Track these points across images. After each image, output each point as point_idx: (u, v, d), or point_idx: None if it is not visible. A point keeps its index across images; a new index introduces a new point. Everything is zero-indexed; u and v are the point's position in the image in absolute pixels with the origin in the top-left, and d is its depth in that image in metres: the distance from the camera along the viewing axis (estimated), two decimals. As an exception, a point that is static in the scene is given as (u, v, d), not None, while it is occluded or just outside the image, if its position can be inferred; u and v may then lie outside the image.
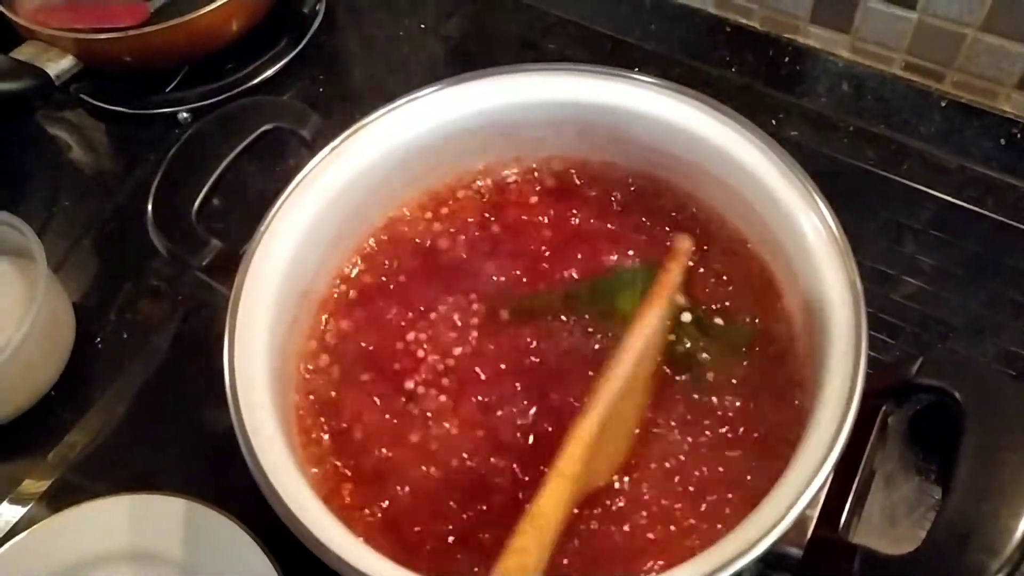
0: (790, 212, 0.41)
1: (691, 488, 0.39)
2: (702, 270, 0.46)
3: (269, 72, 0.77)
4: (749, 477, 0.40)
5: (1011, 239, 0.63)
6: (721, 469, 0.40)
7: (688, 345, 0.44)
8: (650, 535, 0.38)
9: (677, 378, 0.43)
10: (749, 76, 0.72)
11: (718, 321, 0.45)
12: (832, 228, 0.40)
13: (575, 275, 0.47)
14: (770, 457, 0.40)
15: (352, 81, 0.79)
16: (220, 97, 0.76)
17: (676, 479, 0.40)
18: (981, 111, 0.68)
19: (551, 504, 0.34)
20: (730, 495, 0.39)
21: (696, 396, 0.43)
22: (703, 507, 0.39)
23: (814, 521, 0.36)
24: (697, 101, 0.44)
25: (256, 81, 0.77)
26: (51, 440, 0.61)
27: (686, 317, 0.44)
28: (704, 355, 0.44)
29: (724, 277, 0.45)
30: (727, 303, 0.45)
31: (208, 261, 0.44)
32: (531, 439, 0.41)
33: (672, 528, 0.38)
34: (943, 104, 0.69)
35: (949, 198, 0.65)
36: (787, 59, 0.73)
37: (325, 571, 0.50)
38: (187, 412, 0.61)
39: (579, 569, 0.38)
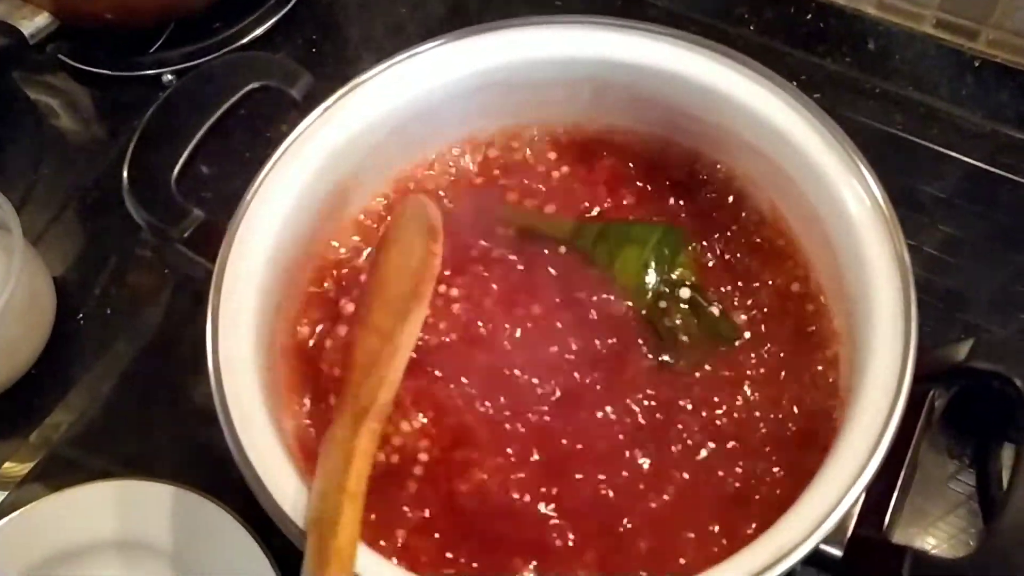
0: (829, 179, 0.37)
1: (716, 484, 0.36)
2: (725, 244, 0.42)
3: (258, 31, 0.73)
4: (777, 469, 0.36)
5: (1047, 208, 0.60)
6: (746, 461, 0.37)
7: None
8: (676, 537, 0.35)
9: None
10: (768, 34, 0.68)
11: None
12: (877, 197, 0.36)
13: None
14: (802, 445, 0.37)
15: (347, 41, 0.75)
16: (207, 58, 0.72)
17: (699, 473, 0.36)
18: (1017, 71, 0.65)
19: (348, 530, 0.31)
20: (759, 491, 0.35)
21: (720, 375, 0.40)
22: (730, 505, 0.35)
23: (855, 518, 0.33)
24: (724, 56, 0.41)
25: (244, 40, 0.73)
26: (33, 421, 0.59)
27: (685, 293, 0.41)
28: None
29: (750, 250, 0.42)
30: (751, 281, 0.42)
31: (189, 233, 0.40)
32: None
33: (698, 529, 0.35)
34: (976, 64, 0.65)
35: (981, 164, 0.62)
36: (809, 16, 0.69)
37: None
38: (177, 392, 0.58)
39: (603, 570, 0.35)
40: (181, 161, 0.41)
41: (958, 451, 0.48)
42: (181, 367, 0.59)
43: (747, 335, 0.40)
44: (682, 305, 0.40)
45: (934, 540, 0.45)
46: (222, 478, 0.52)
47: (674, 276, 0.41)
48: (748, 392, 0.38)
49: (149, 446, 0.56)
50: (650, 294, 0.40)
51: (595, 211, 0.44)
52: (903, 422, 0.32)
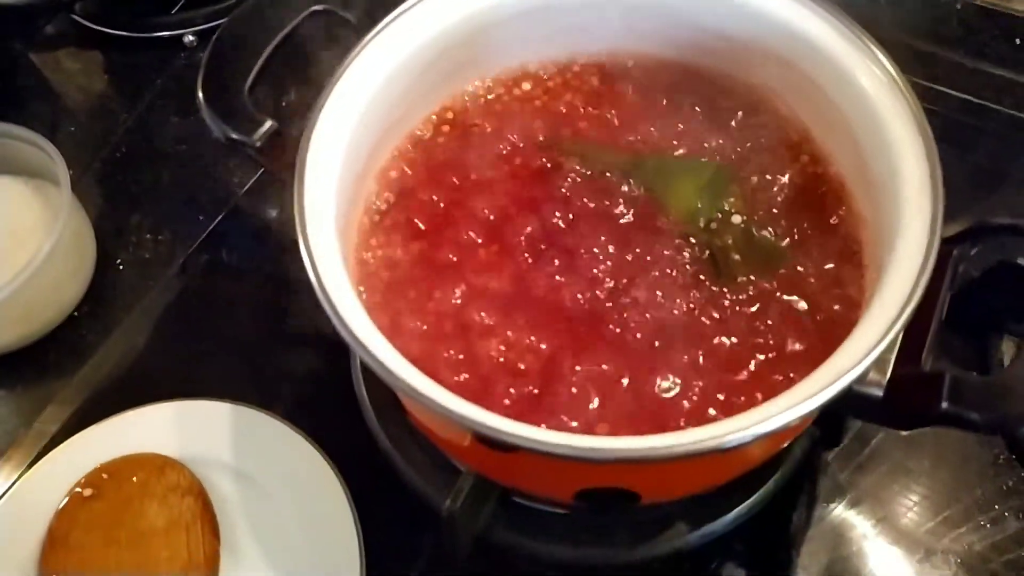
0: (844, 67, 0.41)
1: (753, 353, 0.40)
2: (762, 171, 0.46)
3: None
4: (800, 343, 0.40)
5: None
6: (779, 332, 0.41)
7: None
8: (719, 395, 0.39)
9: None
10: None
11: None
12: (888, 69, 0.40)
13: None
14: (832, 318, 0.41)
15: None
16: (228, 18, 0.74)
17: (731, 344, 0.40)
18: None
19: None
20: (795, 356, 0.40)
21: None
22: (766, 364, 0.40)
23: (891, 364, 0.36)
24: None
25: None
26: (78, 360, 0.60)
27: (736, 219, 0.45)
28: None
29: (783, 171, 0.46)
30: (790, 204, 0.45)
31: (264, 141, 0.43)
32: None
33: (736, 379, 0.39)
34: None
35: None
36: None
37: (376, 459, 0.51)
38: (219, 325, 0.61)
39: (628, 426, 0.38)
40: (252, 75, 0.44)
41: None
42: (220, 301, 0.62)
43: (790, 254, 0.44)
44: (733, 229, 0.44)
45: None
46: (274, 396, 0.55)
47: (726, 206, 0.45)
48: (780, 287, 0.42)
49: (196, 375, 0.57)
50: (703, 220, 0.44)
51: (638, 139, 0.48)
52: (932, 280, 0.35)
